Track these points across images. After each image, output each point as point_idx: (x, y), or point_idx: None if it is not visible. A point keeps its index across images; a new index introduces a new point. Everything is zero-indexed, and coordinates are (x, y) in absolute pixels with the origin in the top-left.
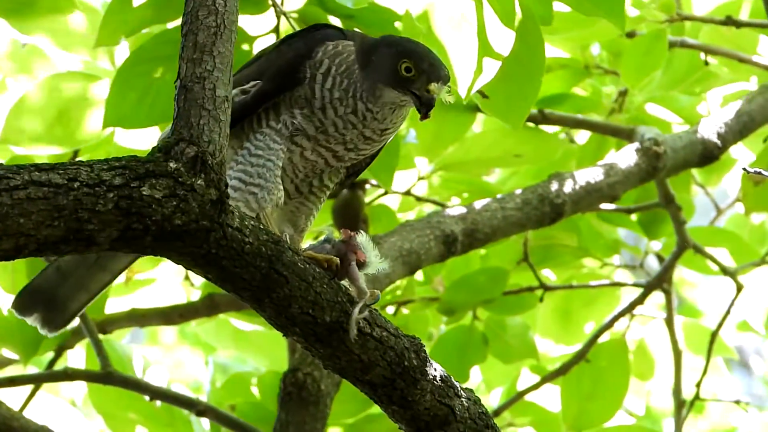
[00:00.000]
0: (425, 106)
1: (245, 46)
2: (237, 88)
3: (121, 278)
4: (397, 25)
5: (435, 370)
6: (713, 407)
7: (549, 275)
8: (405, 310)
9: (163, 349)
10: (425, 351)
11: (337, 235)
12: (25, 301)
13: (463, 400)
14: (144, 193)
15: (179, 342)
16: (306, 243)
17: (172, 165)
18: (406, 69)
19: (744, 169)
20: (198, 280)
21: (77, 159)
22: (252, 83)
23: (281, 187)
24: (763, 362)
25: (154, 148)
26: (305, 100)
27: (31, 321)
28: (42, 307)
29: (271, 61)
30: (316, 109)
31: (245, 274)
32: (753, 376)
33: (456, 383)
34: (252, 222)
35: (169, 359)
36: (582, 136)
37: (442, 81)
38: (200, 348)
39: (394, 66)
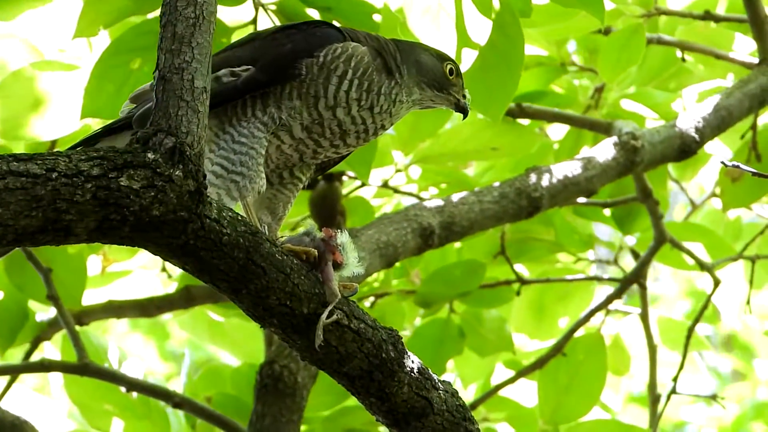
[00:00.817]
0: (463, 111)
1: (223, 39)
2: (226, 69)
3: (98, 270)
4: (376, 17)
5: (412, 362)
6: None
7: (523, 270)
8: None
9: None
10: (402, 343)
11: (317, 230)
12: None
13: (441, 392)
14: (122, 183)
15: (131, 331)
16: (285, 235)
17: (150, 156)
18: (450, 71)
19: (722, 162)
20: (175, 271)
21: (55, 149)
22: (244, 67)
23: (263, 176)
24: (714, 355)
25: (132, 139)
26: (314, 98)
27: None
28: None
29: (265, 48)
30: (321, 108)
31: (223, 265)
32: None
33: (433, 375)
34: (230, 213)
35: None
36: (559, 130)
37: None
38: (153, 337)
39: (439, 68)
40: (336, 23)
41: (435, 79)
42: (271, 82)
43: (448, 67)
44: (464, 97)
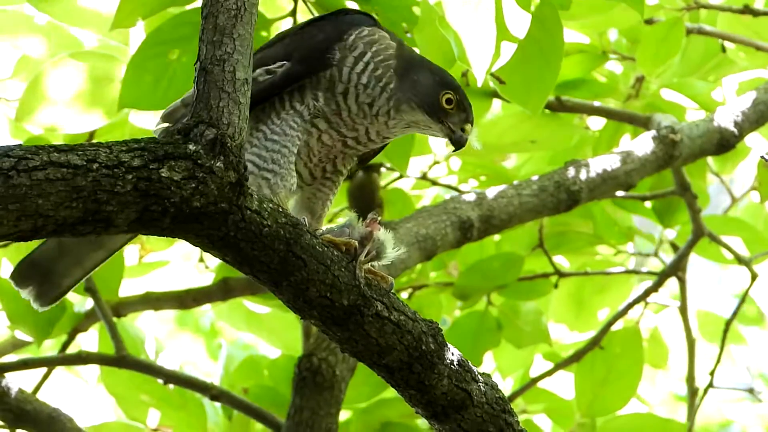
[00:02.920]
0: (457, 144)
1: (263, 33)
2: (262, 68)
3: (135, 259)
4: (415, 9)
5: (452, 354)
6: (708, 399)
7: (562, 262)
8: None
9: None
10: (443, 335)
11: (357, 221)
12: (22, 273)
13: (480, 384)
14: (163, 174)
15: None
16: (324, 226)
17: (192, 147)
18: (447, 101)
19: (762, 156)
20: (212, 262)
21: (94, 140)
22: (278, 63)
23: (294, 174)
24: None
25: (173, 130)
26: (330, 81)
27: (25, 294)
28: (37, 280)
29: (298, 42)
30: (337, 93)
31: (263, 257)
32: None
33: (473, 368)
34: (270, 205)
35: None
36: (597, 121)
37: (474, 124)
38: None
39: (435, 94)
40: (375, 16)
41: (425, 100)
42: (309, 73)
43: (446, 96)
44: (462, 130)
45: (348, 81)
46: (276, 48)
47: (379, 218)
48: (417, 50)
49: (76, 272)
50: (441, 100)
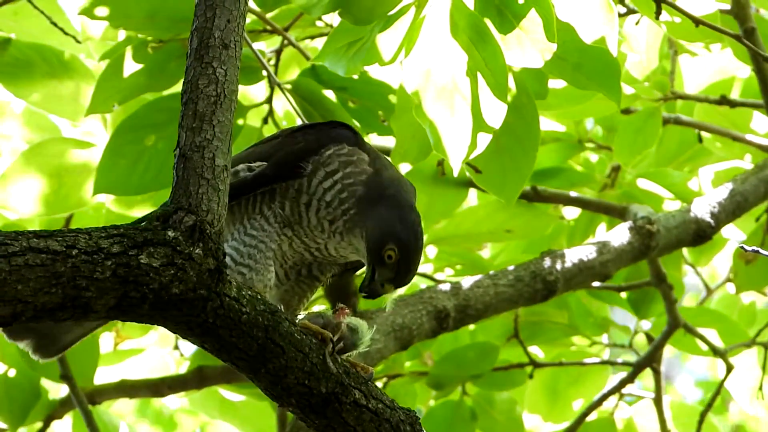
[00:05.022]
0: (368, 292)
1: (240, 121)
2: (244, 164)
3: (110, 347)
4: (392, 98)
5: None
6: None
7: (537, 352)
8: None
9: None
10: (420, 424)
11: (330, 312)
12: (17, 326)
13: None
14: (142, 261)
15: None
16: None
17: (171, 233)
18: (389, 256)
19: (741, 246)
20: (187, 350)
21: (70, 226)
22: (258, 163)
23: (272, 270)
24: None
25: (152, 216)
26: (297, 191)
27: (23, 346)
28: (35, 334)
29: (282, 145)
30: (301, 203)
31: (242, 344)
32: None
33: None
34: (249, 292)
35: None
36: (572, 210)
37: (400, 287)
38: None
39: (382, 242)
40: (351, 104)
41: (372, 241)
42: (278, 179)
43: (388, 251)
44: (383, 285)
45: (313, 194)
46: (267, 145)
47: (347, 309)
48: (399, 173)
49: (76, 330)
50: (384, 251)
